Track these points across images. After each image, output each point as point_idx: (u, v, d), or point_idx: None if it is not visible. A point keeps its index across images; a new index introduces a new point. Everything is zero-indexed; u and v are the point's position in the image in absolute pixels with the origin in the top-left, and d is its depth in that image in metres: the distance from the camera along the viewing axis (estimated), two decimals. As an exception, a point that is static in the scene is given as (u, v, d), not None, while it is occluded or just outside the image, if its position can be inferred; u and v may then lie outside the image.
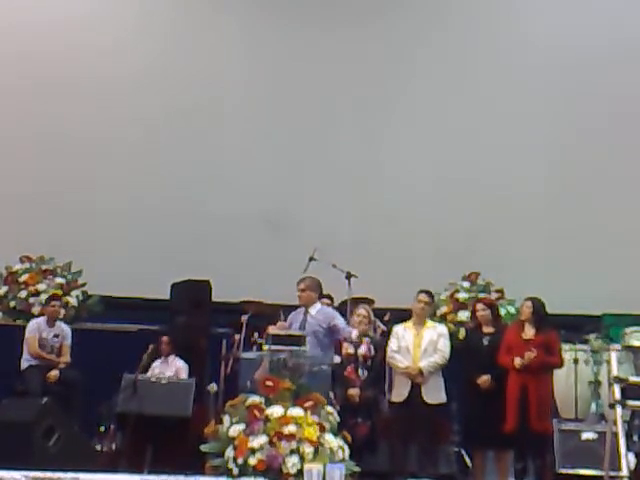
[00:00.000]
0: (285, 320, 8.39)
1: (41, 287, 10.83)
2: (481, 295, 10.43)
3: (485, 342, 8.18)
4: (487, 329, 8.27)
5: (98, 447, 8.52)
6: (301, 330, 7.81)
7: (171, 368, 9.29)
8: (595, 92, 11.50)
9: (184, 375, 9.23)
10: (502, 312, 9.49)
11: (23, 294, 10.79)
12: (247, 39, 12.22)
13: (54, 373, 9.12)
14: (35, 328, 9.33)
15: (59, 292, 10.75)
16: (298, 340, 7.21)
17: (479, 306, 8.51)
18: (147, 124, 11.81)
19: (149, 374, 9.00)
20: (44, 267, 11.09)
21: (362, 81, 11.93)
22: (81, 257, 11.04)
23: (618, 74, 11.46)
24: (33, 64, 11.68)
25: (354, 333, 8.15)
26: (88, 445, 8.12)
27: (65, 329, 9.50)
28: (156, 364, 9.34)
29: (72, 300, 10.86)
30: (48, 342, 9.33)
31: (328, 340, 8.01)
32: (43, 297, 10.69)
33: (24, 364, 9.21)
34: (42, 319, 9.49)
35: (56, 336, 9.38)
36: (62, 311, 10.41)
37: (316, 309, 8.12)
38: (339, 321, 8.10)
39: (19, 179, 11.46)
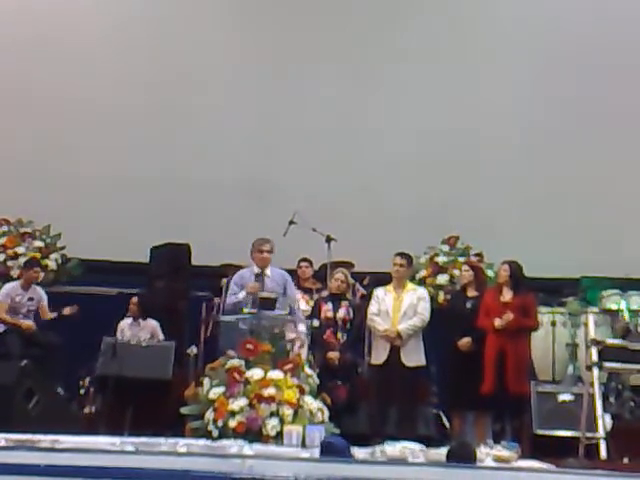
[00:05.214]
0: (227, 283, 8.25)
1: (20, 250, 10.80)
2: (460, 259, 10.48)
3: (468, 305, 8.19)
4: (471, 292, 8.29)
5: (78, 410, 8.54)
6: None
7: (145, 330, 9.27)
8: (567, 55, 11.44)
9: (160, 333, 9.25)
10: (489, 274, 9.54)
11: (1, 257, 10.78)
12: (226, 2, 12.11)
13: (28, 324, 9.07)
14: (6, 294, 9.18)
15: (37, 255, 10.72)
16: (272, 303, 7.21)
17: (464, 267, 8.56)
18: (130, 90, 11.69)
19: (118, 335, 8.98)
20: (23, 230, 11.05)
21: (344, 47, 11.83)
22: (60, 220, 11.01)
23: (597, 34, 11.40)
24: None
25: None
26: (68, 407, 8.13)
27: (39, 291, 9.37)
28: (124, 325, 9.28)
29: (51, 263, 10.85)
30: (23, 305, 9.19)
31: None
32: (22, 260, 10.66)
33: None
34: (16, 283, 9.36)
35: (31, 299, 9.25)
36: (41, 275, 10.42)
37: (270, 270, 7.97)
38: (292, 288, 7.95)
39: (-4, 142, 11.37)
